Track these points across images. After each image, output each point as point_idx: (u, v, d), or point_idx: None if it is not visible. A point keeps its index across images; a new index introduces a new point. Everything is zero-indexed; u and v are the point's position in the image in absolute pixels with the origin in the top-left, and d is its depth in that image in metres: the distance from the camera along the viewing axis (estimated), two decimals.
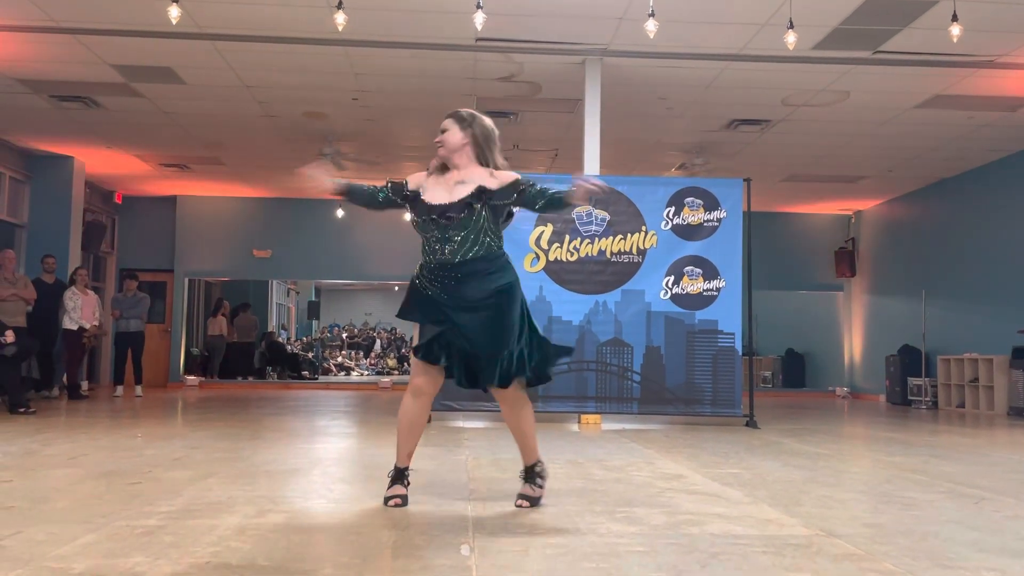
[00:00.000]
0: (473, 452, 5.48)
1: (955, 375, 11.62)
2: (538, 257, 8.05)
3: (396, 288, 19.48)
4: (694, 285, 8.08)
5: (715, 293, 8.07)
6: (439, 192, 3.49)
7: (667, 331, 8.04)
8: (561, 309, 8.02)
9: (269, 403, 10.63)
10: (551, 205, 3.47)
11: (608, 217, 8.10)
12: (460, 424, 7.79)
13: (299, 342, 20.38)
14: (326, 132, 10.78)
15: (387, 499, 3.48)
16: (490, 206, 3.44)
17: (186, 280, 15.00)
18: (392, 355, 21.02)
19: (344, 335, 21.93)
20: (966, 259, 12.08)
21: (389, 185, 3.63)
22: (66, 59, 8.31)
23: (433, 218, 3.43)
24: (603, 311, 8.05)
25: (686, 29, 7.47)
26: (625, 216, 8.11)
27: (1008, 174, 11.30)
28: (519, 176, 3.52)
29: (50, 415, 8.10)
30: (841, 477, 4.63)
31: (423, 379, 3.49)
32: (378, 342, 21.71)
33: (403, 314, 3.57)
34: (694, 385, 8.03)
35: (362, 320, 23.03)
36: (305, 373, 17.18)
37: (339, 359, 19.99)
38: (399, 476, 3.53)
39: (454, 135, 3.52)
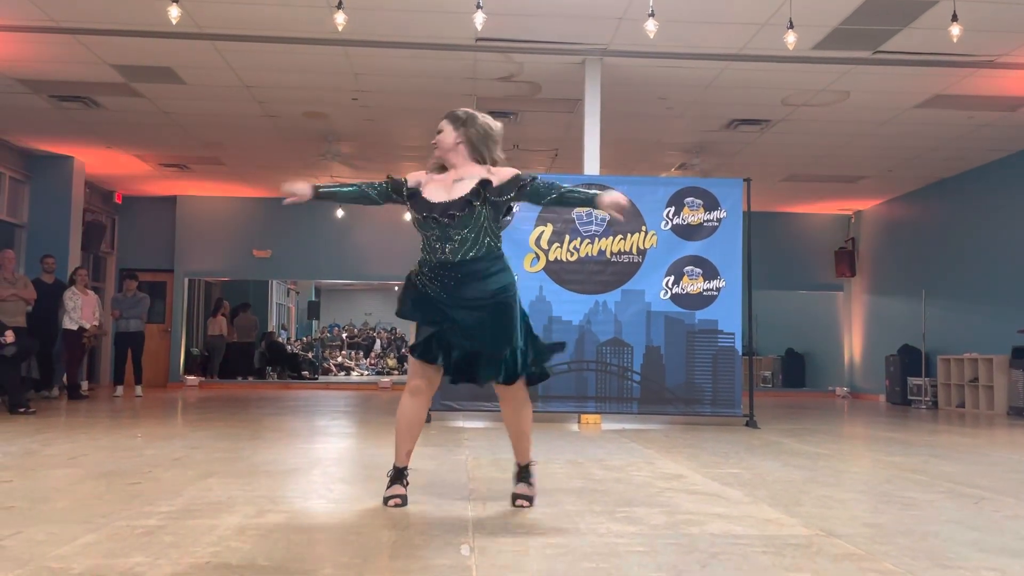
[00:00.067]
0: (473, 452, 5.48)
1: (955, 375, 11.62)
2: (538, 257, 8.05)
3: (396, 288, 19.42)
4: (694, 285, 8.08)
5: (715, 293, 8.07)
6: (439, 190, 3.49)
7: (667, 331, 8.04)
8: (561, 309, 8.01)
9: (269, 403, 10.64)
10: (565, 203, 3.56)
11: (608, 217, 8.08)
12: (460, 424, 7.79)
13: (299, 342, 20.39)
14: (326, 132, 10.78)
15: (386, 499, 3.48)
16: (491, 203, 3.44)
17: (186, 280, 15.00)
18: (392, 355, 21.01)
19: (344, 335, 21.93)
20: (966, 259, 12.08)
21: (388, 182, 3.62)
22: (66, 59, 8.31)
23: (434, 216, 3.43)
24: (603, 311, 8.05)
25: (686, 29, 7.47)
26: (625, 216, 8.08)
27: (1008, 174, 11.30)
28: (518, 172, 3.52)
29: (50, 415, 8.10)
30: (841, 477, 4.63)
31: (421, 378, 3.49)
32: (378, 342, 21.70)
33: (402, 314, 3.57)
34: (694, 385, 8.03)
35: (362, 320, 23.03)
36: (305, 373, 17.18)
37: (339, 359, 19.99)
38: (398, 476, 3.53)
39: (448, 135, 3.54)
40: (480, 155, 3.52)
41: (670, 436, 6.84)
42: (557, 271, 8.05)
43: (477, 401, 7.67)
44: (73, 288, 10.72)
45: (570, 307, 8.02)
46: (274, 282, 19.76)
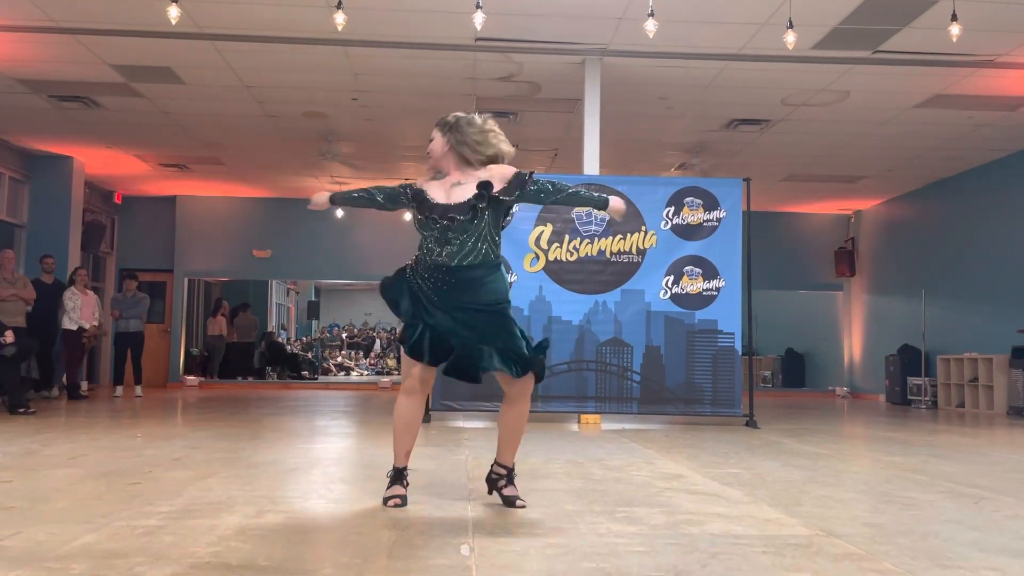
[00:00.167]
0: (473, 452, 5.48)
1: (955, 375, 11.62)
2: (538, 257, 8.05)
3: None
4: (694, 285, 8.08)
5: (715, 293, 8.07)
6: (440, 193, 3.50)
7: (667, 331, 8.04)
8: (561, 309, 8.01)
9: (269, 403, 10.63)
10: (571, 201, 3.71)
11: (608, 217, 8.09)
12: (460, 424, 7.79)
13: (299, 342, 20.39)
14: (326, 132, 10.78)
15: (386, 499, 3.48)
16: (494, 204, 3.44)
17: (186, 280, 15.00)
18: (392, 355, 20.98)
19: (344, 335, 21.93)
20: (966, 259, 12.08)
21: (402, 186, 3.66)
22: (66, 59, 8.31)
23: (434, 217, 3.43)
24: (603, 311, 8.05)
25: (686, 29, 7.47)
26: (625, 216, 8.08)
27: (1008, 174, 11.30)
28: (519, 171, 3.51)
29: (50, 415, 8.10)
30: (841, 477, 4.63)
31: (414, 378, 3.50)
32: (378, 342, 21.70)
33: (388, 292, 3.56)
34: (694, 385, 8.03)
35: (362, 320, 23.02)
36: (305, 373, 17.18)
37: (339, 359, 19.99)
38: (398, 476, 3.54)
39: (437, 142, 3.55)
40: (469, 158, 3.50)
41: (670, 436, 6.84)
42: (557, 271, 8.05)
43: (477, 401, 7.67)
44: (73, 288, 10.72)
45: (570, 307, 8.02)
46: (274, 282, 19.76)
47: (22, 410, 7.91)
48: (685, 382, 8.03)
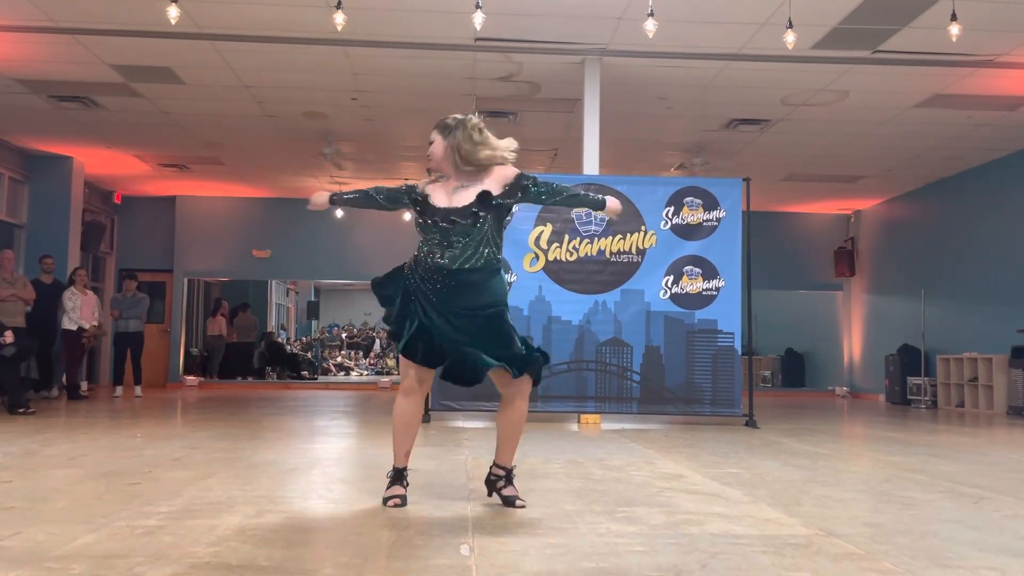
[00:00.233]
0: (473, 452, 5.49)
1: (954, 374, 11.63)
2: (537, 257, 8.05)
3: None
4: (693, 285, 8.08)
5: (714, 293, 8.07)
6: (441, 196, 3.49)
7: (667, 331, 8.04)
8: (560, 309, 8.01)
9: (268, 403, 10.63)
10: (569, 205, 3.73)
11: (607, 218, 8.09)
12: (460, 424, 7.79)
13: (298, 342, 20.37)
14: (326, 132, 10.78)
15: (386, 499, 3.48)
16: (495, 207, 3.43)
17: (185, 280, 15.00)
18: (391, 355, 20.98)
19: (343, 335, 21.92)
20: (966, 259, 12.08)
21: (404, 187, 3.65)
22: (65, 59, 8.30)
23: (436, 220, 3.43)
24: (602, 311, 8.05)
25: (685, 29, 7.47)
26: (624, 216, 8.10)
27: (1008, 174, 11.30)
28: (519, 171, 3.51)
29: (49, 415, 8.10)
30: (841, 477, 4.64)
31: (412, 378, 3.50)
32: (377, 342, 21.68)
33: (382, 288, 3.56)
34: (694, 385, 8.03)
35: (361, 320, 23.00)
36: (304, 373, 17.17)
37: (338, 359, 19.98)
38: (398, 476, 3.54)
39: (437, 146, 3.53)
40: (469, 160, 3.48)
41: (670, 436, 6.84)
42: (556, 271, 8.05)
43: (477, 401, 7.67)
44: (72, 288, 10.72)
45: (569, 307, 8.02)
46: (273, 282, 19.75)
47: (22, 410, 7.91)
48: (685, 382, 8.02)
